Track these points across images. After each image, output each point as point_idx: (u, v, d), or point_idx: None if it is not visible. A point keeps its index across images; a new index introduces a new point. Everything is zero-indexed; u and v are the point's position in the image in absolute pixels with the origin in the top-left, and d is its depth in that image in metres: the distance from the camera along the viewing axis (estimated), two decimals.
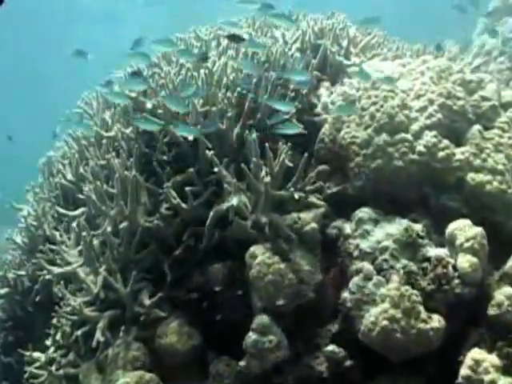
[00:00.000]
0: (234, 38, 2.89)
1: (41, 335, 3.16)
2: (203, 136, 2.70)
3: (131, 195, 2.75)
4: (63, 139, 3.47)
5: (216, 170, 2.64)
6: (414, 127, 2.73)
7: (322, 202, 2.77)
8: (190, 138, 2.66)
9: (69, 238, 3.02)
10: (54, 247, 3.04)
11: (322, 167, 2.90)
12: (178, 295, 2.74)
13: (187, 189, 2.69)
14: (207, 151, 2.66)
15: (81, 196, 3.02)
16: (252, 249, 2.57)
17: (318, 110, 3.09)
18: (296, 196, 2.56)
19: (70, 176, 3.28)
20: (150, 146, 2.95)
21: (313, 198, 2.76)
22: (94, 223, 2.99)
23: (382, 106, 2.78)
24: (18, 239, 3.50)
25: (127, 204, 2.75)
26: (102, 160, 2.98)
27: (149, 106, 2.87)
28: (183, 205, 2.70)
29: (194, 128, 2.69)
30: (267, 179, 2.54)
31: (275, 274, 2.49)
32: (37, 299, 3.28)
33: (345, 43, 3.34)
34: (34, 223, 3.36)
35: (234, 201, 2.53)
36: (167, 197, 2.69)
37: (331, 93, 3.17)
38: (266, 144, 2.60)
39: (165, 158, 2.86)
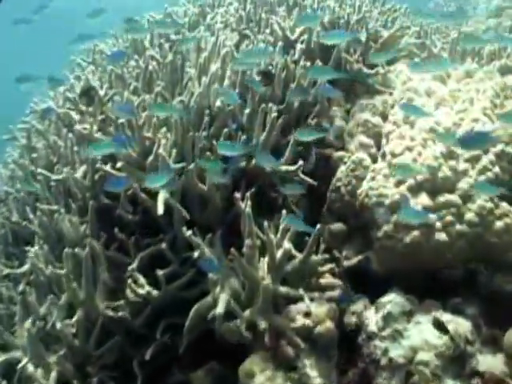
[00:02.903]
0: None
1: None
2: (175, 199, 2.00)
3: (86, 271, 2.07)
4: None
5: (196, 253, 1.95)
6: (463, 185, 2.03)
7: (337, 281, 2.11)
8: (160, 210, 1.95)
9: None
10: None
11: (336, 227, 2.21)
12: None
13: (159, 273, 2.01)
14: (184, 228, 1.96)
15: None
16: (247, 364, 1.93)
17: (330, 138, 2.36)
18: (307, 301, 1.89)
19: (15, 217, 2.58)
20: (111, 195, 2.23)
21: (327, 279, 2.09)
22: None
23: (420, 155, 2.07)
24: None
25: (82, 284, 2.08)
26: (47, 213, 2.27)
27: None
28: (154, 292, 2.03)
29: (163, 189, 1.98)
30: (267, 280, 1.86)
31: None
32: None
33: (362, 38, 2.56)
34: None
35: (221, 306, 1.86)
36: (132, 285, 2.02)
37: (346, 112, 2.44)
38: (265, 224, 1.90)
39: (130, 217, 2.15)
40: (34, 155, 2.52)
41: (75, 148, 2.34)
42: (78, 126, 2.23)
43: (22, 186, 2.51)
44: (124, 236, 2.12)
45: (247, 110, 2.13)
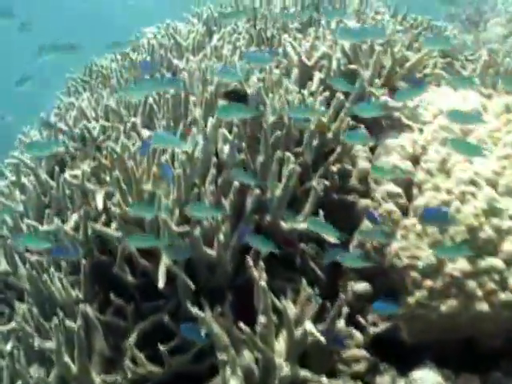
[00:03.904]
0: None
1: None
2: (180, 267, 1.75)
3: (79, 344, 1.82)
4: None
5: (203, 331, 1.70)
6: (508, 247, 1.77)
7: (364, 353, 1.86)
8: (161, 283, 1.69)
9: None
10: None
11: (361, 287, 1.96)
12: None
13: (161, 348, 1.77)
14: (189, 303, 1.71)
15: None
16: None
17: (354, 182, 2.10)
18: None
19: (3, 266, 2.33)
20: (106, 250, 1.99)
21: (352, 350, 1.85)
22: None
23: (458, 211, 1.81)
24: None
25: (75, 357, 1.84)
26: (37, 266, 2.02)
27: (99, 203, 1.88)
28: (156, 370, 1.79)
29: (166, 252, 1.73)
30: (285, 369, 1.61)
31: None
32: None
33: (388, 63, 2.28)
34: None
35: None
36: (130, 366, 1.77)
37: (371, 150, 2.17)
38: (283, 303, 1.65)
39: (129, 278, 1.90)
40: (23, 197, 2.26)
41: (67, 191, 2.09)
42: (67, 175, 1.97)
43: (10, 231, 2.26)
44: (122, 301, 1.87)
45: (260, 158, 1.87)
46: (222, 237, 1.72)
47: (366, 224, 1.98)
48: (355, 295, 1.96)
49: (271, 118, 1.93)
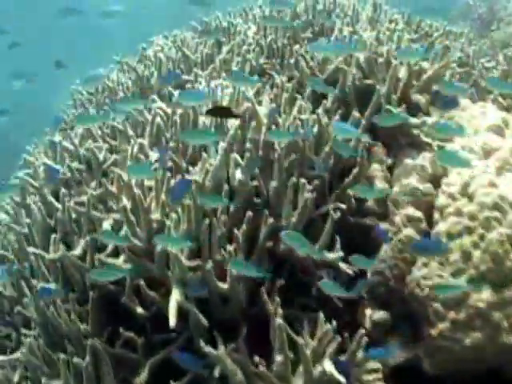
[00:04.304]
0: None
1: None
2: (192, 302, 1.67)
3: (88, 380, 1.76)
4: None
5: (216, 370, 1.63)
6: None
7: None
8: (172, 322, 1.62)
9: None
10: None
11: (380, 316, 1.88)
12: None
13: None
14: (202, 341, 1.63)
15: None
16: None
17: (371, 204, 2.02)
18: None
19: (10, 292, 2.27)
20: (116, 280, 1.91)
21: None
22: None
23: (482, 238, 1.72)
24: None
25: None
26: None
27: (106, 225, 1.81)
28: None
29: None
30: None
31: None
32: None
33: (403, 75, 2.19)
34: None
35: None
36: None
37: (388, 170, 2.09)
38: (300, 342, 1.57)
39: (139, 310, 1.82)
40: (28, 220, 2.19)
41: (73, 215, 2.02)
42: (72, 203, 1.90)
43: (16, 255, 2.20)
44: (132, 333, 1.80)
45: (274, 184, 1.79)
46: (234, 270, 1.64)
47: (385, 249, 1.90)
48: (373, 324, 1.89)
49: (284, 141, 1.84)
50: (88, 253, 1.90)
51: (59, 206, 2.12)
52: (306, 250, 1.70)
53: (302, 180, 1.74)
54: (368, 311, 1.90)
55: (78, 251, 1.96)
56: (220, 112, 1.84)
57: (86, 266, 1.89)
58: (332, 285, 1.67)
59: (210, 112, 1.81)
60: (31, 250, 1.99)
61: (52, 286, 2.01)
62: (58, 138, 2.36)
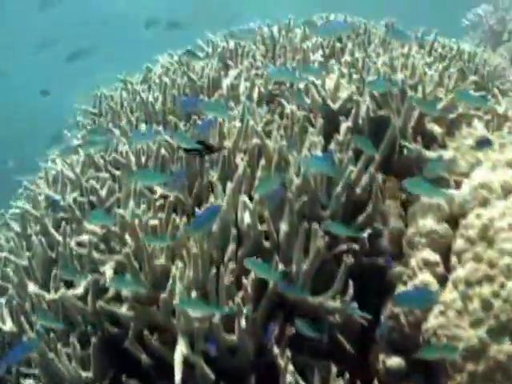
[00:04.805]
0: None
1: None
2: (198, 354, 1.60)
3: None
4: None
5: None
6: None
7: None
8: (177, 379, 1.54)
9: None
10: None
11: (394, 363, 1.80)
12: None
13: None
14: None
15: None
16: None
17: (385, 243, 1.94)
18: None
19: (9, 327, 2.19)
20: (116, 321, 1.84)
21: None
22: None
23: (502, 287, 1.64)
24: None
25: None
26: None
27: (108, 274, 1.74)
28: None
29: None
30: None
31: None
32: None
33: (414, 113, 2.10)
34: None
35: None
36: None
37: (402, 205, 2.00)
38: None
39: (143, 357, 1.75)
40: (28, 254, 2.12)
41: (74, 250, 1.95)
42: (73, 243, 1.83)
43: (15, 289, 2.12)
44: (135, 381, 1.73)
45: (284, 227, 1.71)
46: (243, 323, 1.56)
47: (400, 291, 1.82)
48: (387, 370, 1.81)
49: (296, 181, 1.76)
50: (90, 293, 1.82)
51: (60, 238, 2.04)
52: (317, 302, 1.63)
53: (314, 226, 1.66)
54: (382, 356, 1.83)
55: (79, 291, 1.88)
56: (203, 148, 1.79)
57: (87, 309, 1.82)
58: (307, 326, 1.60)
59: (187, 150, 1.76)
60: (31, 289, 1.91)
61: (54, 323, 1.94)
62: (59, 163, 2.29)
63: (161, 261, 1.68)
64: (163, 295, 1.63)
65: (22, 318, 2.06)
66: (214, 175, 1.82)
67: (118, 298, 1.79)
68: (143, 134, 1.98)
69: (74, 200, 2.01)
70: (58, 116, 3.66)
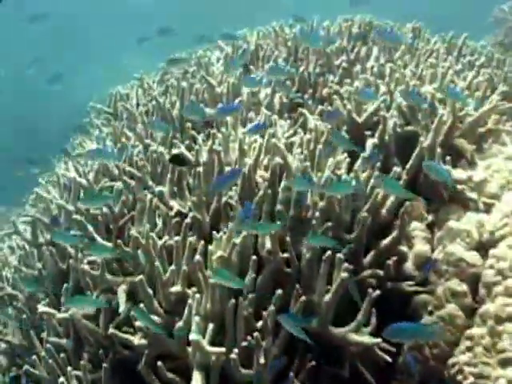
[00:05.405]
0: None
1: None
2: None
3: None
4: None
5: None
6: None
7: None
8: None
9: None
10: None
11: None
12: None
13: None
14: None
15: None
16: None
17: (410, 268, 1.85)
18: None
19: (18, 340, 2.15)
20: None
21: None
22: None
23: None
24: None
25: None
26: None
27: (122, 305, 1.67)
28: None
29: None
30: None
31: None
32: None
33: (448, 121, 2.00)
34: None
35: None
36: None
37: (429, 228, 1.92)
38: None
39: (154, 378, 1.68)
40: (39, 265, 2.05)
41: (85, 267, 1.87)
42: (85, 263, 1.76)
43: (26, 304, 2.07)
44: None
45: (307, 255, 1.63)
46: (262, 358, 1.49)
47: (426, 320, 1.74)
48: None
49: (320, 204, 1.67)
50: (102, 317, 1.75)
51: (72, 251, 1.98)
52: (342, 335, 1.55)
53: (339, 256, 1.57)
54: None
55: (91, 310, 1.82)
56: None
57: (99, 332, 1.75)
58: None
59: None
60: (41, 308, 1.85)
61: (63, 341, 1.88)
62: (72, 170, 2.21)
63: (177, 288, 1.60)
64: (179, 324, 1.56)
65: (32, 333, 2.01)
66: (233, 195, 1.73)
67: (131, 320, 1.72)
68: None
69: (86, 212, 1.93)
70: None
